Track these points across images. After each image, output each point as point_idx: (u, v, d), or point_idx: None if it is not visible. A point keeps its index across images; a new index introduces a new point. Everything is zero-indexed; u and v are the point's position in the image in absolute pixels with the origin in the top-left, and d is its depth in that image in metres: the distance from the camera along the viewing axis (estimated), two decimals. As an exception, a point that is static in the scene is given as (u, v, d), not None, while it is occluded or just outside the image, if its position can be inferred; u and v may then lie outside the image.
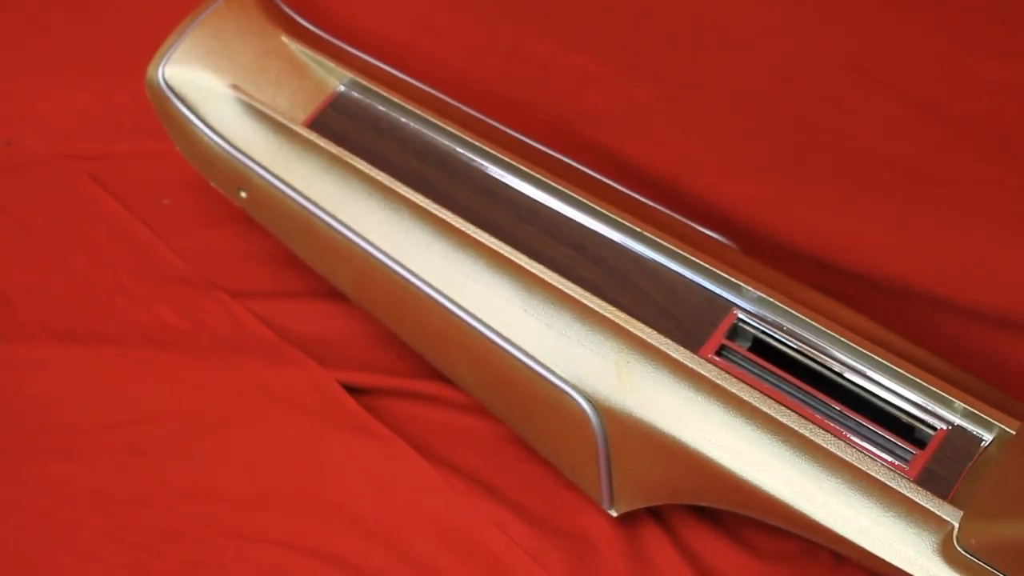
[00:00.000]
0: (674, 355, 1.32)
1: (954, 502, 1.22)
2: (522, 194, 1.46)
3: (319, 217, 1.49)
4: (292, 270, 1.65)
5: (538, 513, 1.47)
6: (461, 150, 1.51)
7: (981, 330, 1.49)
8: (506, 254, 1.41)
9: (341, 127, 1.54)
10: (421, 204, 1.45)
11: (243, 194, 1.56)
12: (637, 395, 1.34)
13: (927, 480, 1.24)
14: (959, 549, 1.19)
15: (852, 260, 1.53)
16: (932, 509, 1.21)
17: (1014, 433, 1.24)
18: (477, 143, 1.49)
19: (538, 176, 1.45)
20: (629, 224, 1.40)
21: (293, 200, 1.51)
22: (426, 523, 1.47)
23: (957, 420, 1.27)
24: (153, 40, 1.57)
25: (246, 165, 1.53)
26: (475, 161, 1.50)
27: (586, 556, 1.44)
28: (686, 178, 1.62)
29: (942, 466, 1.25)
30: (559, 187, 1.44)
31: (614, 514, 1.43)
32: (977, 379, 1.32)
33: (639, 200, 1.48)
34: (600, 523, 1.46)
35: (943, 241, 1.50)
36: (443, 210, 1.44)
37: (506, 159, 1.47)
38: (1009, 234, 1.48)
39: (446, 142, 1.51)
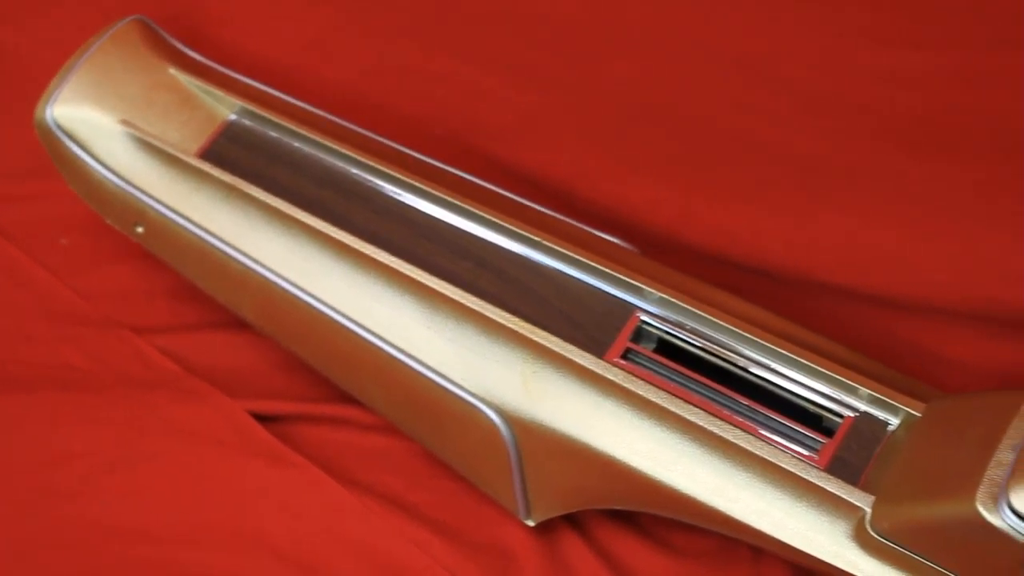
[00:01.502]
0: (580, 361, 1.33)
1: (865, 487, 1.23)
2: (420, 211, 1.46)
3: (218, 248, 1.49)
4: (194, 303, 1.64)
5: (456, 528, 1.47)
6: (356, 171, 1.50)
7: (883, 316, 1.51)
8: (407, 272, 1.40)
9: (234, 156, 1.53)
10: (319, 228, 1.44)
11: (140, 229, 1.55)
12: (545, 404, 1.34)
13: (837, 468, 1.25)
14: (872, 533, 1.20)
15: (752, 255, 1.54)
16: (843, 496, 1.23)
17: (919, 416, 1.26)
18: (372, 163, 1.48)
19: (435, 192, 1.45)
20: (528, 234, 1.40)
21: (190, 232, 1.50)
22: (345, 547, 1.46)
23: (863, 407, 1.29)
24: (41, 80, 1.55)
25: (140, 200, 1.52)
26: (371, 181, 1.49)
27: (506, 568, 1.44)
28: (583, 185, 1.62)
29: (851, 453, 1.26)
30: (456, 202, 1.44)
31: (531, 524, 1.43)
32: (881, 365, 1.33)
33: (537, 209, 1.48)
34: (518, 534, 1.45)
35: (841, 230, 1.51)
36: (341, 232, 1.44)
37: (402, 177, 1.47)
38: (906, 220, 1.49)
39: (340, 164, 1.51)
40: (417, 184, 1.46)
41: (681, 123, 1.60)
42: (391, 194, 1.48)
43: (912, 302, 1.48)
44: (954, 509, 1.13)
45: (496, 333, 1.37)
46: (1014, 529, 1.09)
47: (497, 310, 1.37)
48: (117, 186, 1.53)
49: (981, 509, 1.10)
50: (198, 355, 1.62)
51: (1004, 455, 1.12)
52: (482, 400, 1.36)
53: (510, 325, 1.36)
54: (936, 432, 1.23)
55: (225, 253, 1.48)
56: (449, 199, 1.44)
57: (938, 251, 1.45)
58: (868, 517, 1.21)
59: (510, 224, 1.41)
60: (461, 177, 1.51)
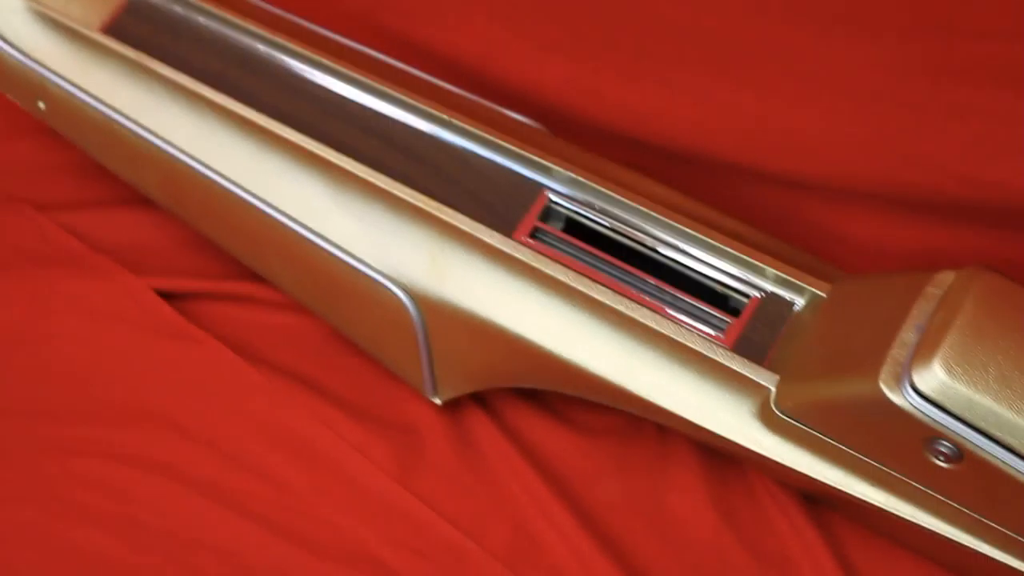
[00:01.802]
0: (488, 240, 1.32)
1: (770, 366, 1.24)
2: (327, 89, 1.45)
3: (122, 124, 1.47)
4: (98, 179, 1.61)
5: (363, 407, 1.48)
6: (263, 47, 1.48)
7: (787, 196, 1.51)
8: (314, 150, 1.39)
9: (138, 31, 1.50)
10: (225, 105, 1.42)
11: (42, 105, 1.53)
12: (453, 282, 1.34)
13: (743, 347, 1.26)
14: (776, 412, 1.22)
15: (660, 134, 1.53)
16: (748, 375, 1.24)
17: (825, 296, 1.27)
18: (279, 40, 1.46)
19: (343, 70, 1.44)
20: (436, 113, 1.40)
21: (94, 108, 1.48)
22: (251, 425, 1.46)
23: (769, 287, 1.30)
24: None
25: (42, 75, 1.49)
26: (278, 58, 1.47)
27: (413, 445, 1.45)
28: (492, 63, 1.61)
29: (757, 333, 1.27)
30: (364, 80, 1.42)
31: (438, 402, 1.44)
32: (787, 245, 1.34)
33: (446, 88, 1.48)
34: (425, 412, 1.46)
35: (749, 110, 1.51)
36: (247, 109, 1.42)
37: (309, 54, 1.45)
38: (812, 100, 1.48)
39: (247, 40, 1.49)
40: (325, 61, 1.44)
41: (591, 2, 1.59)
42: (298, 71, 1.46)
43: (817, 182, 1.48)
44: (857, 388, 1.14)
45: (403, 211, 1.36)
46: (916, 408, 1.10)
47: (405, 188, 1.36)
48: (18, 60, 1.50)
49: (884, 388, 1.11)
50: (101, 232, 1.60)
51: (907, 335, 1.13)
52: (389, 278, 1.36)
53: (418, 203, 1.35)
54: (841, 312, 1.24)
55: (129, 130, 1.46)
56: (357, 77, 1.43)
57: (844, 132, 1.45)
58: (773, 396, 1.22)
59: (419, 102, 1.40)
60: (368, 55, 1.50)
